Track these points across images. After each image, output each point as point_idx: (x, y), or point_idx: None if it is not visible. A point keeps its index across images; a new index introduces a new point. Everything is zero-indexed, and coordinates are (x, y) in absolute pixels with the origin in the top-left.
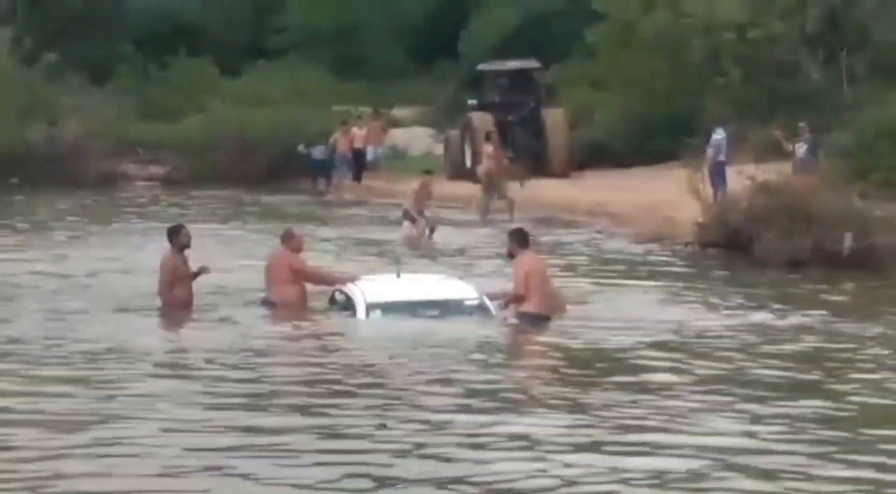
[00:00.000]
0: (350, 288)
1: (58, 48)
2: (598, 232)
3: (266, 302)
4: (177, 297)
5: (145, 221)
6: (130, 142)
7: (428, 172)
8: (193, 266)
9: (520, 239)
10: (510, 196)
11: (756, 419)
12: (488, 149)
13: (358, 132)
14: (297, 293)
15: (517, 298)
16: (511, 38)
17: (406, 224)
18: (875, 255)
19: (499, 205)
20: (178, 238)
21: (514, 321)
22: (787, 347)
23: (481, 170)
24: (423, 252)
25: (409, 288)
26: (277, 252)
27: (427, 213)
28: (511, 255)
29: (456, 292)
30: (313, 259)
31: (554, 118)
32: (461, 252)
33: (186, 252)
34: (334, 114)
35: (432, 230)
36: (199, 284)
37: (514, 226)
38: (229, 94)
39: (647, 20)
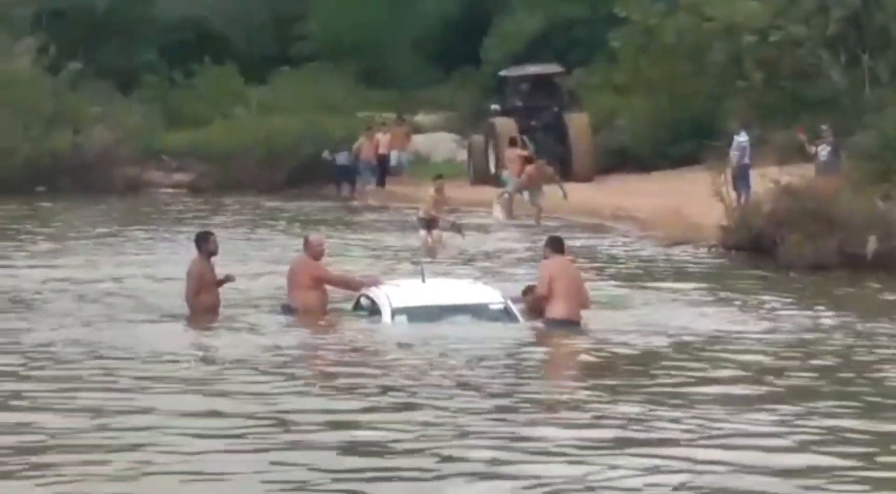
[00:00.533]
0: (375, 293)
1: (83, 57)
2: (624, 235)
3: (287, 308)
4: (203, 303)
5: (172, 228)
6: (156, 149)
7: (440, 176)
8: (220, 273)
9: (554, 244)
10: (540, 203)
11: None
12: (513, 153)
13: (382, 138)
14: (317, 298)
15: (539, 299)
16: (534, 43)
17: (422, 232)
18: None
19: (526, 210)
20: (206, 245)
21: (540, 325)
22: (822, 348)
23: (521, 174)
24: (445, 257)
25: (435, 292)
26: (299, 258)
27: (448, 217)
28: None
29: (481, 296)
30: (338, 264)
31: (577, 123)
32: (487, 256)
33: (213, 259)
34: (358, 120)
35: (460, 232)
36: (225, 290)
37: (538, 231)
38: (254, 102)
39: (668, 24)
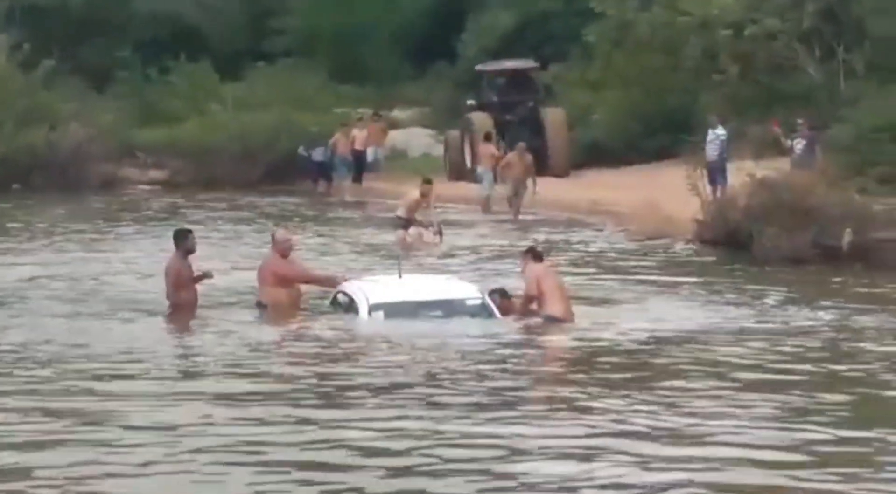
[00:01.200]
0: (352, 289)
1: (57, 54)
2: (600, 230)
3: (260, 305)
4: (182, 300)
5: (149, 225)
6: (131, 146)
7: (428, 182)
8: (197, 269)
9: (533, 253)
10: (522, 198)
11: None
12: (488, 148)
13: (358, 134)
14: (287, 295)
15: (529, 299)
16: (509, 38)
17: (399, 231)
18: (875, 250)
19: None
20: (184, 242)
21: (538, 321)
22: (807, 343)
23: (496, 167)
24: (423, 254)
25: (412, 288)
26: (267, 254)
27: (423, 218)
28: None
29: (458, 292)
30: (318, 261)
31: (553, 117)
32: (468, 251)
33: (191, 256)
34: (334, 116)
35: (440, 233)
36: (201, 286)
37: (517, 227)
38: (229, 98)
39: (643, 18)
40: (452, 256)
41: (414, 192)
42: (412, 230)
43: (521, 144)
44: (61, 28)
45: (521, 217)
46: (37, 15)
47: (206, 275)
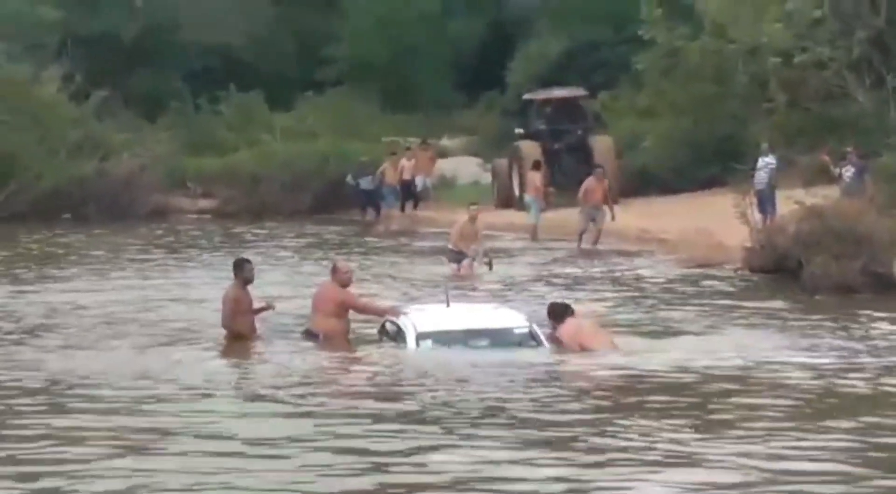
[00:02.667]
0: (400, 318)
1: (108, 85)
2: (649, 257)
3: (309, 333)
4: (239, 328)
5: (202, 254)
6: (181, 176)
7: (474, 204)
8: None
9: (555, 315)
10: (599, 226)
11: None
12: (536, 177)
13: (407, 163)
14: (340, 325)
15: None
16: (558, 66)
17: (453, 265)
18: None
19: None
20: (241, 272)
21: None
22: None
23: (580, 195)
24: (474, 285)
25: (459, 317)
26: (326, 284)
27: (476, 247)
28: (554, 329)
29: (506, 321)
30: (362, 289)
31: (602, 145)
32: (514, 280)
33: (249, 286)
34: (383, 144)
35: (489, 264)
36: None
37: (566, 254)
38: (279, 127)
39: (692, 46)
40: (503, 285)
41: (462, 218)
42: (465, 262)
43: (600, 170)
44: (113, 59)
45: (584, 246)
46: (88, 46)
47: (269, 306)
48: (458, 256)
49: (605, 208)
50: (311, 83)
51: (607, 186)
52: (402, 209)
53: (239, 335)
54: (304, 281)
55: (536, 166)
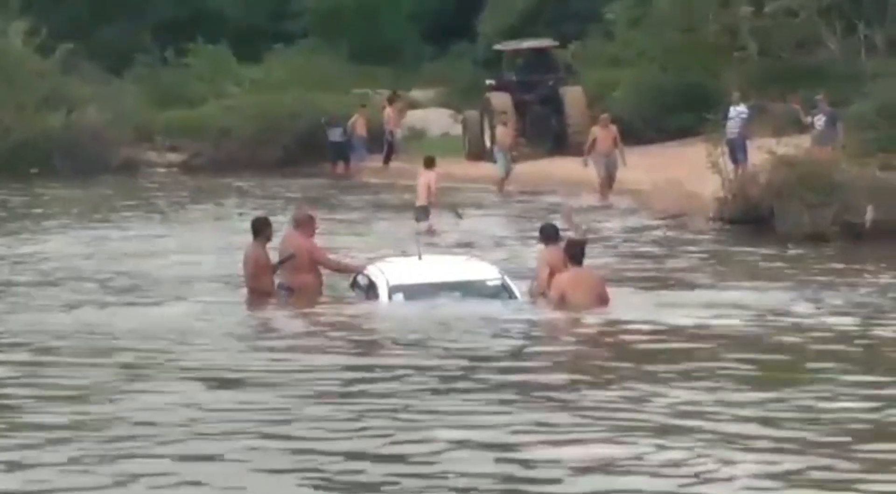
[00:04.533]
0: (372, 272)
1: (74, 38)
2: (621, 209)
3: (283, 287)
4: (260, 287)
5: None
6: (149, 129)
7: (432, 161)
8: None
9: (570, 255)
10: (613, 176)
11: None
12: (502, 130)
13: (391, 113)
14: (313, 278)
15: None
16: (528, 16)
17: (423, 223)
18: None
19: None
20: (265, 229)
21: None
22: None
23: (587, 145)
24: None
25: (432, 270)
26: (290, 234)
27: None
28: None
29: (478, 273)
30: (339, 244)
31: (573, 96)
32: (484, 233)
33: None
34: (353, 96)
35: (459, 215)
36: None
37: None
38: (247, 80)
39: None
40: (474, 237)
41: (427, 178)
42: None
43: (605, 116)
44: (78, 12)
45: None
46: None
47: (289, 257)
48: (425, 212)
49: (617, 155)
50: (279, 35)
51: (616, 133)
52: (386, 161)
53: (262, 293)
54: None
55: (502, 119)
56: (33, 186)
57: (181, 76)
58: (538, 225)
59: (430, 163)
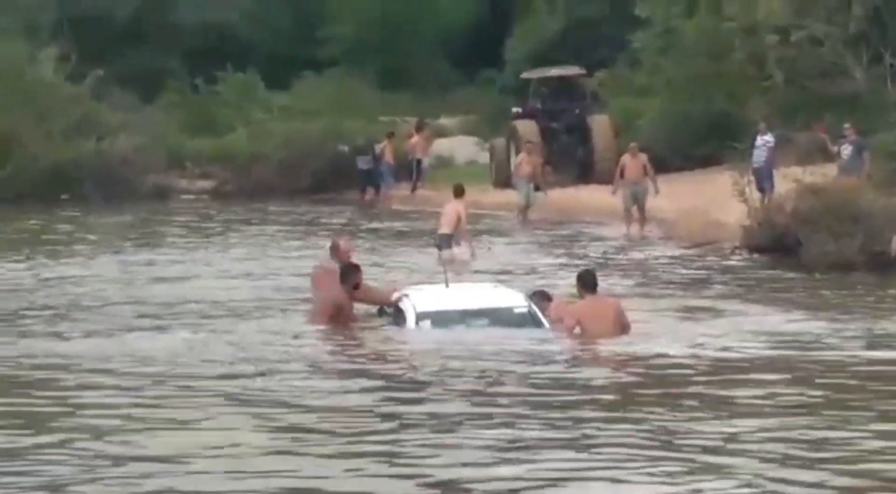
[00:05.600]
0: (400, 299)
1: (105, 64)
2: (647, 237)
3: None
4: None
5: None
6: (178, 156)
7: (460, 191)
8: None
9: (583, 283)
10: (643, 204)
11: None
12: (523, 159)
13: (419, 142)
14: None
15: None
16: (555, 44)
17: (446, 251)
18: None
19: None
20: (353, 278)
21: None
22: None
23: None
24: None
25: (459, 297)
26: (326, 263)
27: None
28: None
29: (505, 300)
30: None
31: (599, 124)
32: (512, 261)
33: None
34: (381, 124)
35: (487, 246)
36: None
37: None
38: (276, 107)
39: (689, 24)
40: (500, 265)
41: (458, 207)
42: (456, 249)
43: (634, 144)
44: (108, 38)
45: (631, 232)
46: (84, 26)
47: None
48: (449, 240)
49: (648, 184)
50: (308, 62)
51: (646, 161)
52: (413, 189)
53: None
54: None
55: (527, 148)
56: (63, 212)
57: (211, 103)
58: (561, 252)
59: (459, 192)
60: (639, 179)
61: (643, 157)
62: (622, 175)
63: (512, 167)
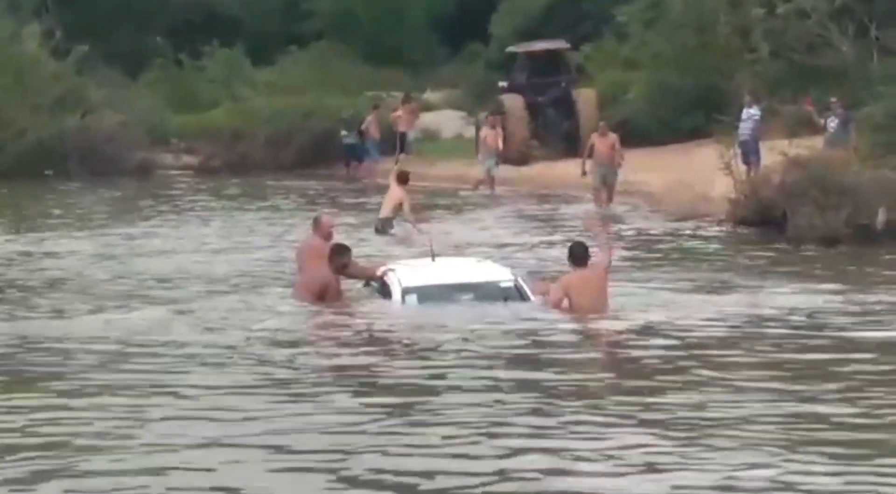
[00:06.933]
0: (385, 273)
1: (90, 41)
2: (633, 210)
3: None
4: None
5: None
6: (164, 132)
7: (404, 175)
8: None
9: (573, 256)
10: (612, 184)
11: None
12: (488, 133)
13: (404, 115)
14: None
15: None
16: (541, 18)
17: (397, 229)
18: None
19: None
20: (341, 258)
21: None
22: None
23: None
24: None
25: (444, 271)
26: (309, 238)
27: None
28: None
29: (491, 274)
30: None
31: (585, 98)
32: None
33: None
34: (366, 98)
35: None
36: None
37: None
38: (261, 83)
39: None
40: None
41: (396, 193)
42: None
43: (603, 123)
44: (93, 15)
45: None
46: (68, 2)
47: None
48: (389, 224)
49: (616, 165)
50: (293, 37)
51: (615, 140)
52: (398, 163)
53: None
54: (281, 233)
55: (489, 121)
56: (46, 188)
57: (196, 79)
58: (541, 227)
59: (403, 180)
60: (608, 161)
61: (613, 137)
62: (591, 153)
63: (498, 141)
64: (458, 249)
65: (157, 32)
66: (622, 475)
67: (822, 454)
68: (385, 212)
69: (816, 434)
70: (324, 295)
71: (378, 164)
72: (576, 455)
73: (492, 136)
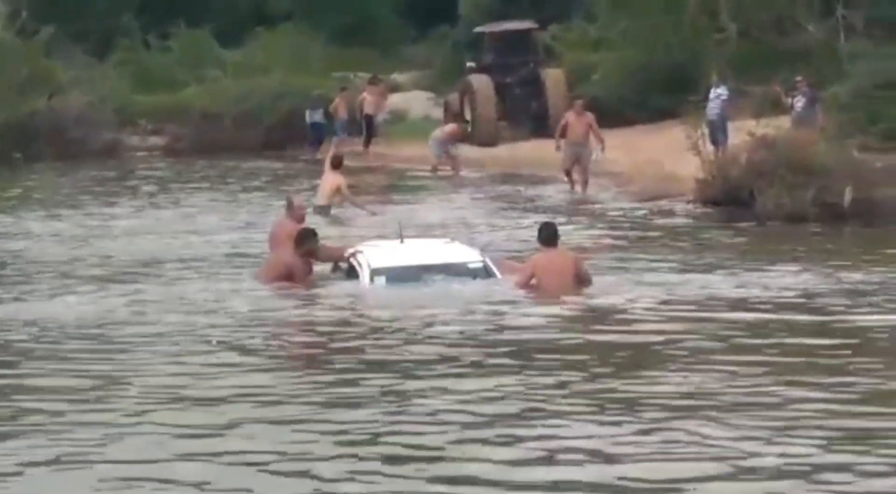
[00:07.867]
0: (354, 255)
1: (56, 21)
2: (601, 190)
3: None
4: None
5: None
6: (131, 113)
7: (339, 160)
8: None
9: (541, 236)
10: (585, 165)
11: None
12: (451, 127)
13: (368, 97)
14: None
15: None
16: None
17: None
18: (876, 207)
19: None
20: (308, 244)
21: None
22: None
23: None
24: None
25: (413, 252)
26: (282, 220)
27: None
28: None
29: (460, 255)
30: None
31: (553, 78)
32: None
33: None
34: (334, 80)
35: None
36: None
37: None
38: (229, 64)
39: None
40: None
41: (331, 178)
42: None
43: (579, 102)
44: None
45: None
46: None
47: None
48: (326, 212)
49: (593, 144)
50: (261, 18)
51: (591, 120)
52: (366, 145)
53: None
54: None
55: (446, 108)
56: (13, 170)
57: (163, 60)
58: (512, 207)
59: (337, 164)
60: (583, 140)
61: (589, 116)
62: (563, 133)
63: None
64: (426, 230)
65: (125, 13)
66: (607, 463)
67: (812, 437)
68: (321, 198)
69: (806, 417)
70: (290, 278)
71: (345, 145)
72: (557, 443)
73: (453, 130)
